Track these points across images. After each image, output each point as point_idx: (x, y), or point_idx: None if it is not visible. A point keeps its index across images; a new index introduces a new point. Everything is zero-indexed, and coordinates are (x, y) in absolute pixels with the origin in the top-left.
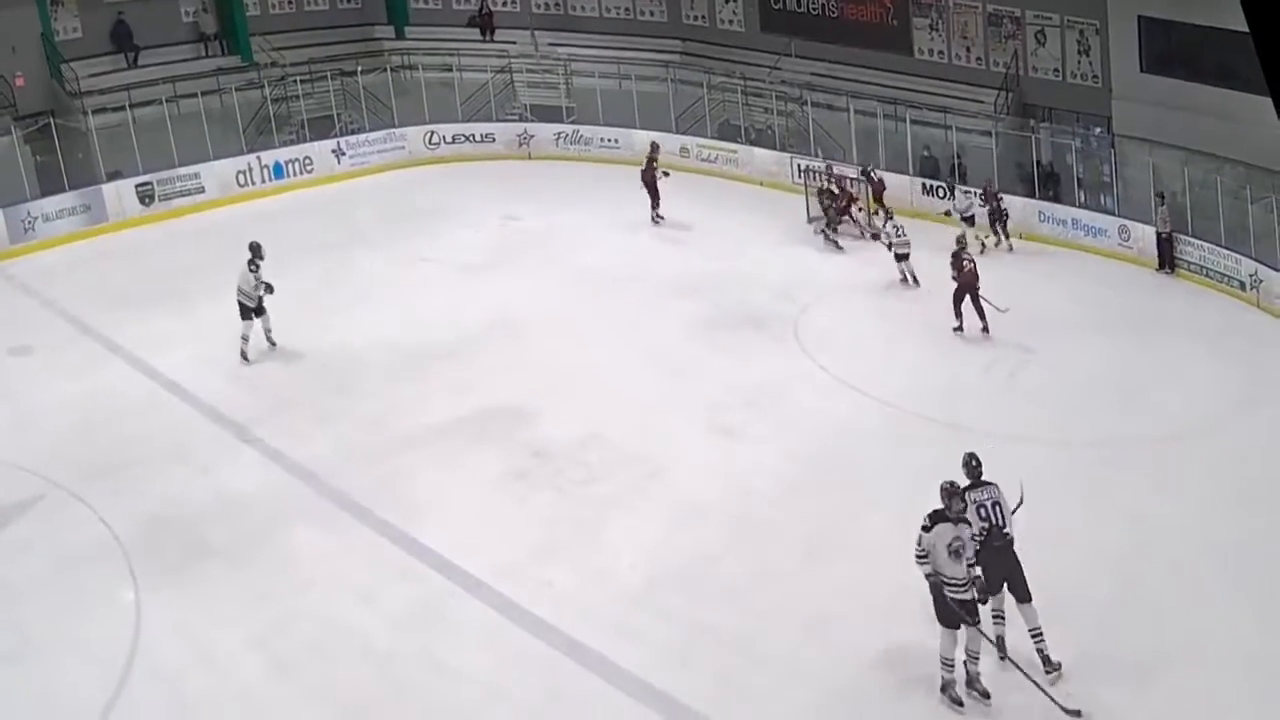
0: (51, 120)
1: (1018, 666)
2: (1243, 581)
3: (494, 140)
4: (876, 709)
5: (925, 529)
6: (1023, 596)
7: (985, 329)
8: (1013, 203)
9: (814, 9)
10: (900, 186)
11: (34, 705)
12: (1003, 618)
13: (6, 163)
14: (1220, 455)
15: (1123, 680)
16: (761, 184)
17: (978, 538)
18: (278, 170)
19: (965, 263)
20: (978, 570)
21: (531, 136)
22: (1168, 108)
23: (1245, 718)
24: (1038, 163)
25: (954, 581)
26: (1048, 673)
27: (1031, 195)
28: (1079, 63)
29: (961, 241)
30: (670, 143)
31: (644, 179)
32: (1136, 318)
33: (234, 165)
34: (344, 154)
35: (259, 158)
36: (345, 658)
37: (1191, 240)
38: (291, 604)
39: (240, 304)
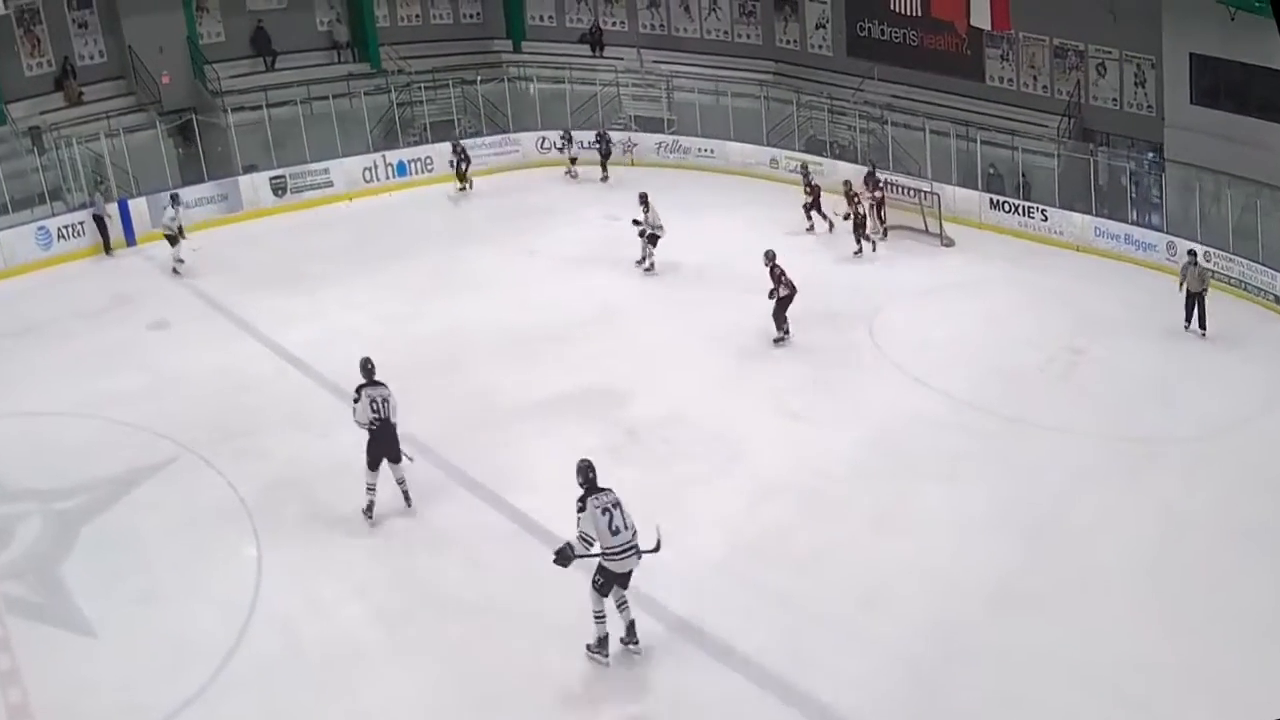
0: (194, 116)
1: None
2: (1270, 564)
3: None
4: (929, 672)
5: (580, 510)
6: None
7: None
8: (1069, 218)
9: (896, 37)
10: (970, 201)
11: (159, 647)
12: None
13: (152, 154)
14: (1250, 451)
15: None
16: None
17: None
18: (401, 168)
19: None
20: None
21: (635, 145)
22: (1214, 137)
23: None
24: (1096, 183)
25: (611, 550)
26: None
27: (1089, 211)
28: (1135, 93)
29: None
30: (761, 154)
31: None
32: (1180, 326)
33: (361, 162)
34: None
35: (384, 156)
36: (448, 614)
37: (1232, 257)
38: (401, 563)
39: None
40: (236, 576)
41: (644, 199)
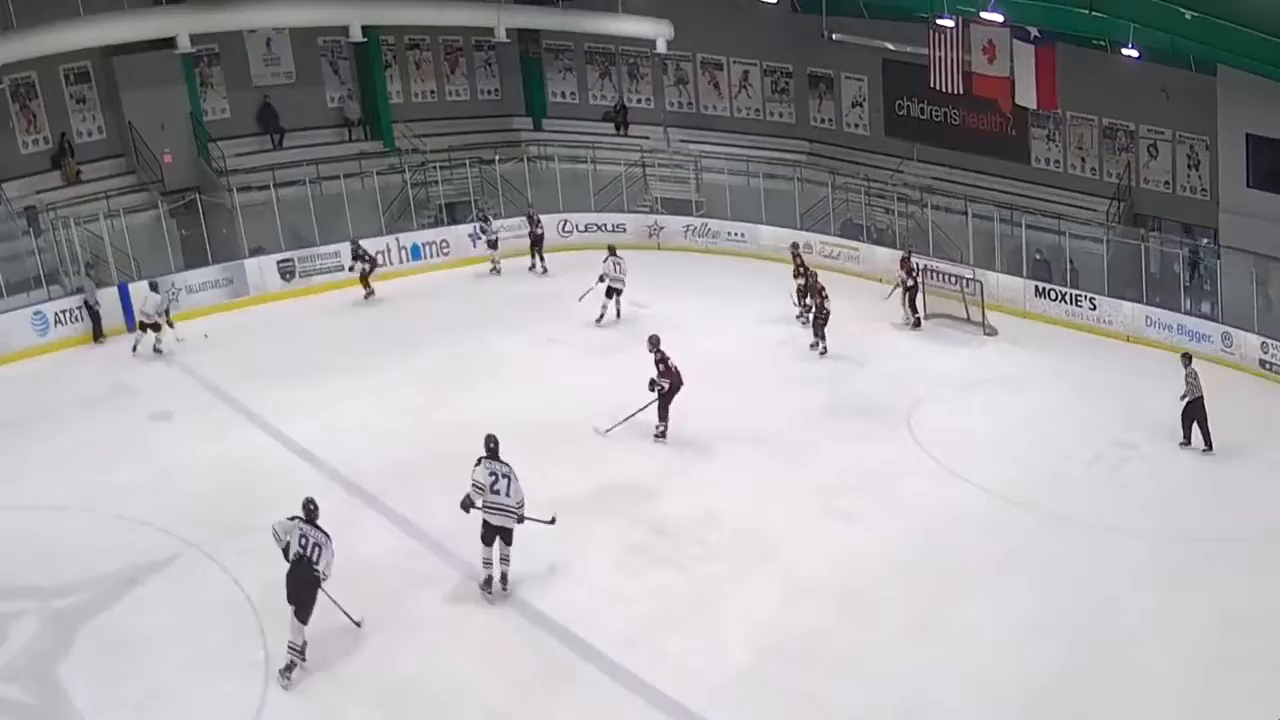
0: (198, 196)
1: None
2: None
3: (625, 230)
4: None
5: (476, 465)
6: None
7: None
8: (1119, 307)
9: (936, 116)
10: (1014, 289)
11: None
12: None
13: (153, 236)
14: None
15: None
16: (881, 280)
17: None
18: (415, 251)
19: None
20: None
21: (661, 228)
22: (1273, 221)
23: None
24: (1147, 270)
25: (490, 505)
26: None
27: (1140, 300)
28: (1188, 176)
29: None
30: (794, 238)
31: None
32: (1235, 419)
33: (373, 246)
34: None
35: (398, 239)
36: (462, 715)
37: None
38: (415, 666)
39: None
40: (242, 680)
41: (612, 250)
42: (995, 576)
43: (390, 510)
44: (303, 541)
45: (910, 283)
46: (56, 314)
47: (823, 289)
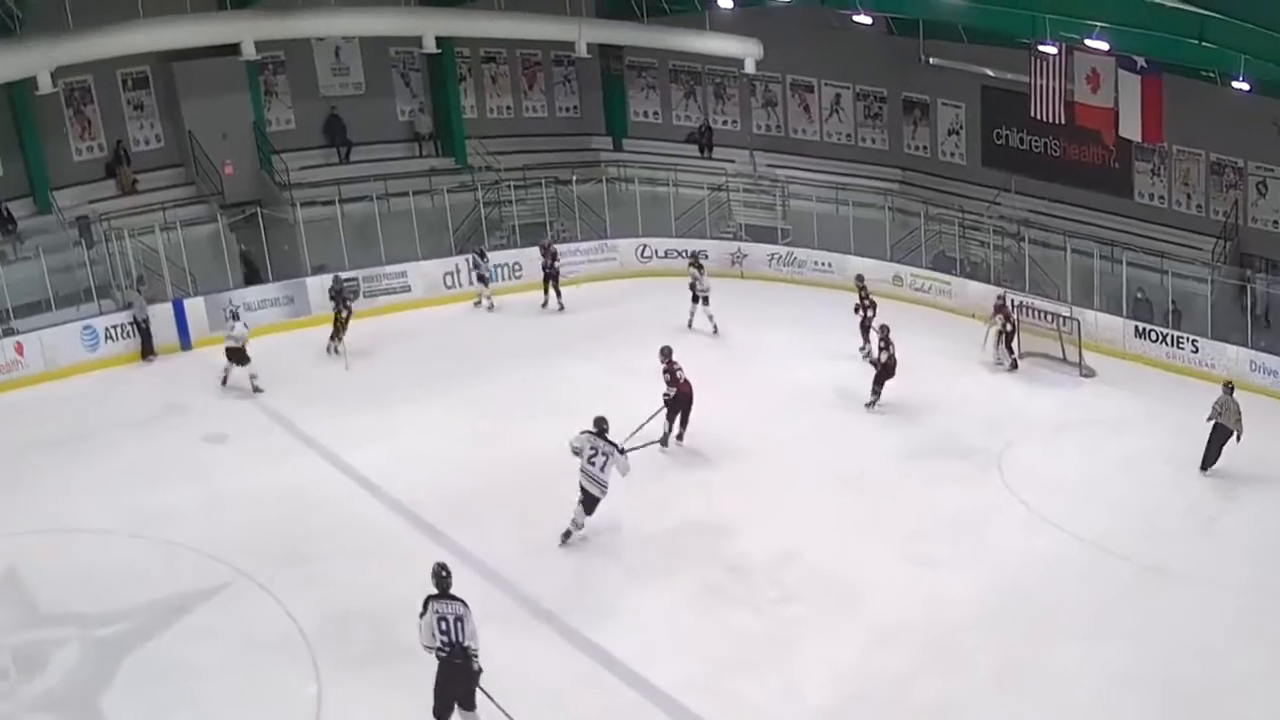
0: (259, 210)
1: None
2: None
3: (707, 257)
4: None
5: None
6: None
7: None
8: (1223, 350)
9: (1036, 147)
10: (1113, 328)
11: None
12: None
13: (211, 250)
14: None
15: None
16: (974, 316)
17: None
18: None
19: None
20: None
21: (745, 256)
22: None
23: None
24: (1253, 312)
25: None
26: None
27: (1245, 344)
28: None
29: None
30: (884, 270)
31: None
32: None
33: (442, 266)
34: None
35: (468, 259)
36: None
37: None
38: (478, 706)
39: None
40: (294, 716)
41: (695, 259)
42: (1086, 626)
43: (451, 542)
44: (443, 625)
45: (1008, 327)
46: (107, 329)
47: (885, 335)
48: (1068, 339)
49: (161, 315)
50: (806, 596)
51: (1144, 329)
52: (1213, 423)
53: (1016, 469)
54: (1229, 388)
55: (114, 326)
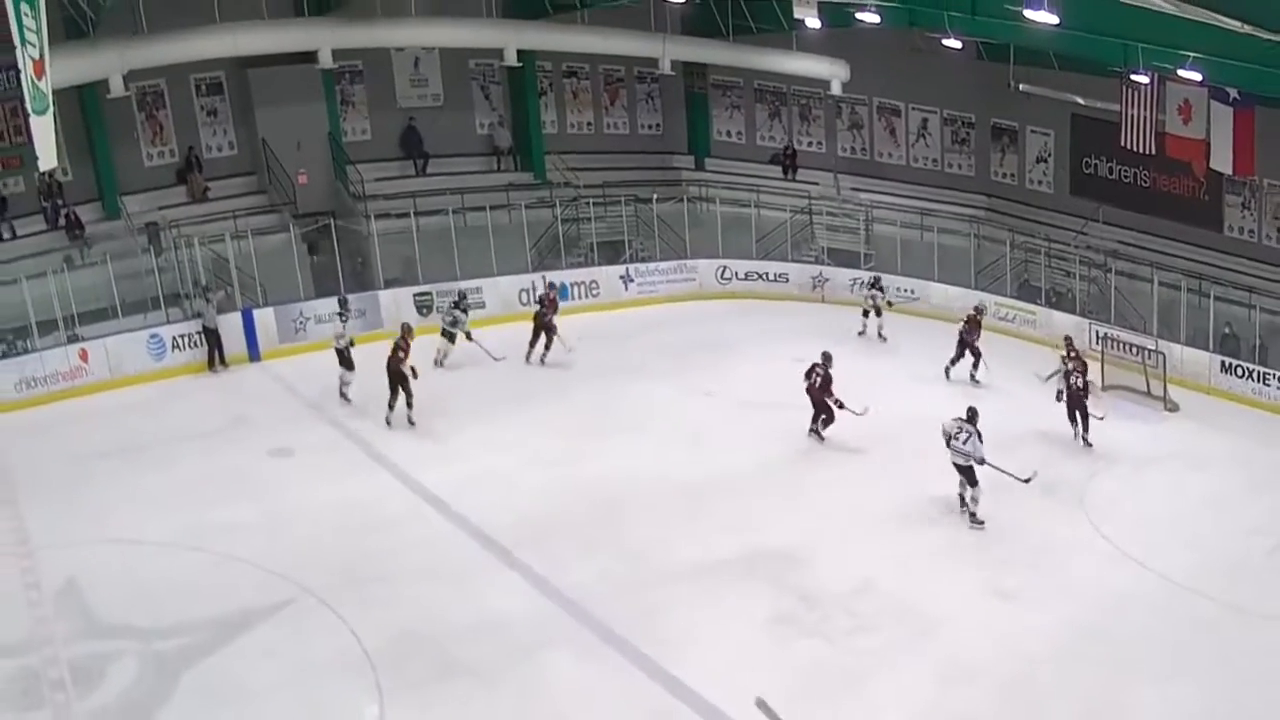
0: (332, 221)
1: None
2: None
3: (788, 280)
4: None
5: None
6: None
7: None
8: None
9: (1126, 177)
10: (1199, 363)
11: None
12: None
13: (283, 260)
14: None
15: None
16: (1057, 347)
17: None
18: (563, 292)
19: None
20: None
21: (827, 280)
22: None
23: None
24: None
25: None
26: None
27: None
28: None
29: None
30: (968, 298)
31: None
32: None
33: (517, 283)
34: (632, 280)
35: (544, 277)
36: None
37: None
38: None
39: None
40: None
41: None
42: (1167, 667)
43: (523, 565)
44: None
45: (1079, 382)
46: (174, 338)
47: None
48: (1153, 373)
49: (230, 325)
50: (881, 628)
51: (1230, 364)
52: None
53: (1098, 503)
54: None
55: (181, 336)
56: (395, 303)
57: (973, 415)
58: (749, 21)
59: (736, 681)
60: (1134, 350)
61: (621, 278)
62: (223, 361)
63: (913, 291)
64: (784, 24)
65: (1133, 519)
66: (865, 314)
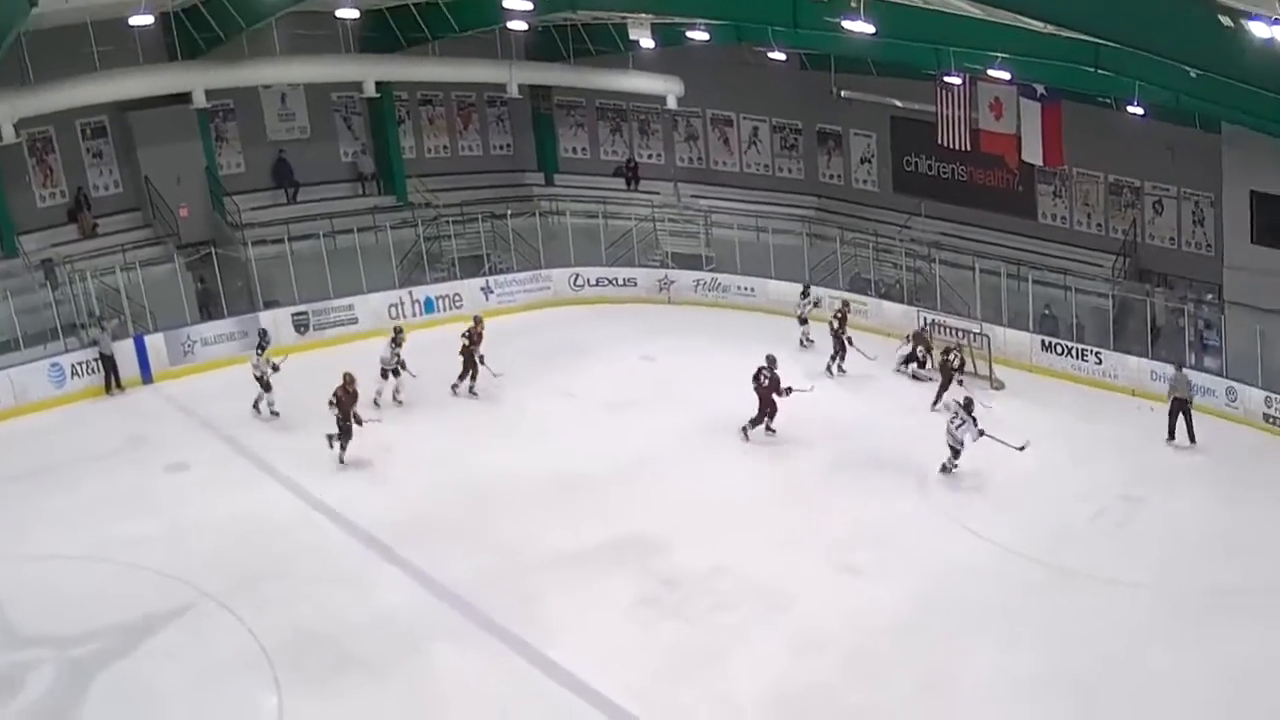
0: (213, 250)
1: None
2: None
3: (636, 284)
4: None
5: None
6: None
7: None
8: (1125, 361)
9: (944, 173)
10: (1021, 343)
11: None
12: None
13: (169, 288)
14: None
15: None
16: (889, 335)
17: None
18: (429, 305)
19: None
20: None
21: (672, 282)
22: (1276, 277)
23: None
24: (1152, 325)
25: None
26: None
27: (1145, 355)
28: (1193, 232)
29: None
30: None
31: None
32: (1242, 474)
33: (387, 299)
34: (492, 291)
35: (411, 292)
36: None
37: None
38: (427, 715)
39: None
40: None
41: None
42: (1003, 632)
43: (406, 563)
44: None
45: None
46: (73, 365)
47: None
48: (978, 354)
49: (124, 351)
50: (737, 606)
51: (1050, 343)
52: (1170, 398)
53: (933, 479)
54: (1179, 365)
55: (80, 363)
56: (275, 323)
57: (968, 404)
58: (588, 44)
59: (608, 662)
60: (960, 334)
61: (482, 289)
62: (119, 385)
63: (752, 289)
64: (620, 45)
65: (967, 493)
66: (802, 321)
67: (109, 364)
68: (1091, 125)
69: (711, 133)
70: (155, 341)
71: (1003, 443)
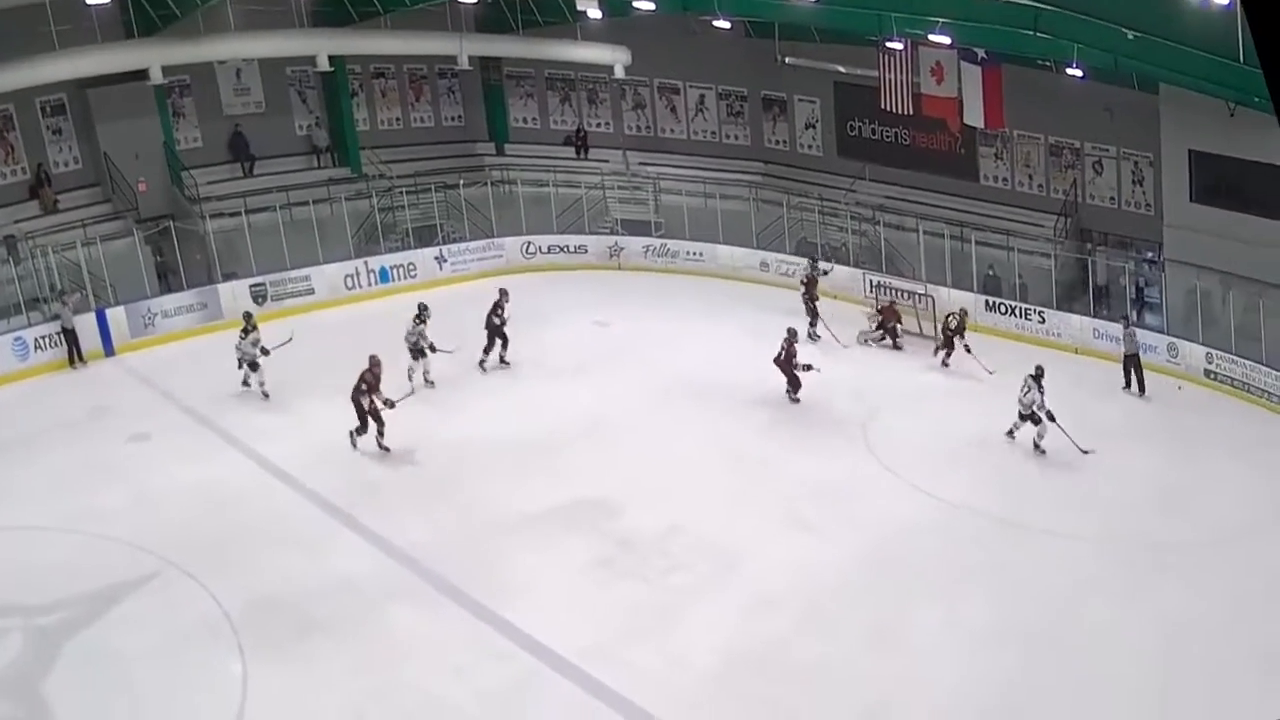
0: (171, 223)
1: None
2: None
3: (586, 251)
4: None
5: None
6: None
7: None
8: (1068, 320)
9: (888, 137)
10: (964, 303)
11: None
12: None
13: (129, 262)
14: (1260, 560)
15: None
16: (835, 297)
17: None
18: (383, 275)
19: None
20: None
21: (622, 249)
22: (1215, 235)
23: None
24: (1094, 284)
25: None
26: None
27: (1087, 313)
28: (1133, 192)
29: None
30: (751, 257)
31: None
32: (1182, 430)
33: (342, 269)
34: (445, 261)
35: (366, 263)
36: None
37: (1235, 358)
38: (389, 678)
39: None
40: (221, 694)
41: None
42: (951, 586)
43: (364, 528)
44: None
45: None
46: (36, 339)
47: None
48: (923, 315)
49: (85, 324)
50: (692, 566)
51: (994, 303)
52: (1124, 353)
53: (881, 438)
54: (1126, 321)
55: (43, 337)
56: (233, 294)
57: (1039, 372)
58: (536, 16)
59: (563, 623)
60: (905, 295)
61: (436, 258)
62: (81, 359)
63: (701, 254)
64: (568, 16)
65: (913, 451)
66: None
67: (71, 338)
68: (1031, 88)
69: (659, 101)
70: (116, 314)
71: (1067, 435)
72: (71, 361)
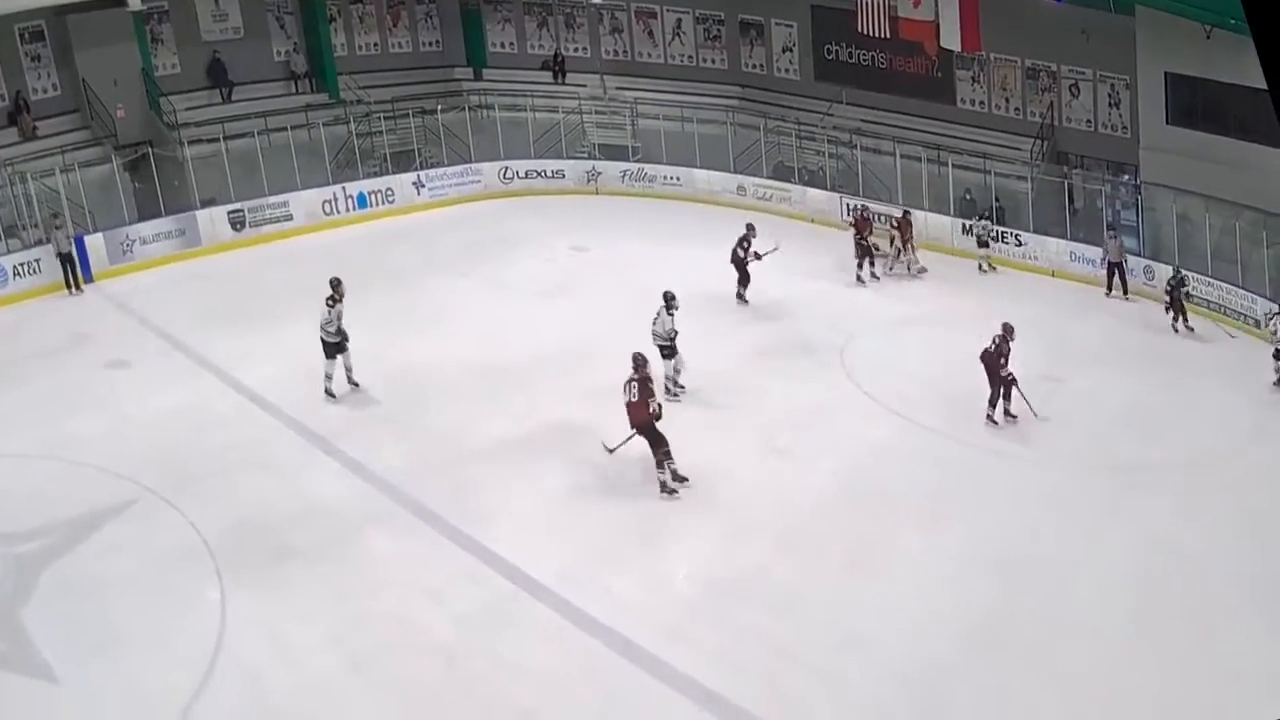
0: (150, 150)
1: None
2: (1259, 601)
3: (564, 176)
4: (907, 718)
5: None
6: None
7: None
8: (1044, 243)
9: (865, 60)
10: (941, 226)
11: (121, 696)
12: None
13: (107, 189)
14: (1236, 482)
15: (1141, 698)
16: (812, 221)
17: None
18: (361, 200)
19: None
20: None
21: (599, 173)
22: (1191, 158)
23: None
24: (1071, 207)
25: None
26: None
27: (1064, 236)
28: (1109, 115)
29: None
30: (728, 181)
31: (734, 259)
32: (1159, 352)
33: (320, 195)
34: (423, 186)
35: (344, 188)
36: (415, 654)
37: (1211, 281)
38: (366, 604)
39: (322, 340)
40: (199, 620)
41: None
42: (929, 510)
43: (341, 453)
44: None
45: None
46: (15, 266)
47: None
48: (896, 238)
49: None
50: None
51: (970, 226)
52: (1106, 261)
53: (859, 363)
54: (1110, 228)
55: (22, 264)
56: (211, 220)
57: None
58: None
59: (540, 548)
60: (882, 219)
61: (414, 184)
62: (78, 285)
63: (678, 179)
64: None
65: (891, 376)
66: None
67: (67, 262)
68: (1008, 10)
69: (636, 25)
70: (95, 241)
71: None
72: (69, 286)
